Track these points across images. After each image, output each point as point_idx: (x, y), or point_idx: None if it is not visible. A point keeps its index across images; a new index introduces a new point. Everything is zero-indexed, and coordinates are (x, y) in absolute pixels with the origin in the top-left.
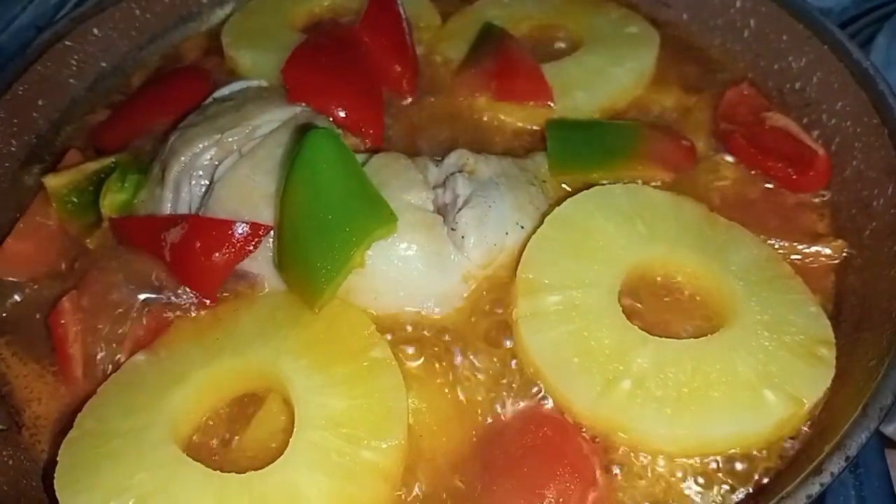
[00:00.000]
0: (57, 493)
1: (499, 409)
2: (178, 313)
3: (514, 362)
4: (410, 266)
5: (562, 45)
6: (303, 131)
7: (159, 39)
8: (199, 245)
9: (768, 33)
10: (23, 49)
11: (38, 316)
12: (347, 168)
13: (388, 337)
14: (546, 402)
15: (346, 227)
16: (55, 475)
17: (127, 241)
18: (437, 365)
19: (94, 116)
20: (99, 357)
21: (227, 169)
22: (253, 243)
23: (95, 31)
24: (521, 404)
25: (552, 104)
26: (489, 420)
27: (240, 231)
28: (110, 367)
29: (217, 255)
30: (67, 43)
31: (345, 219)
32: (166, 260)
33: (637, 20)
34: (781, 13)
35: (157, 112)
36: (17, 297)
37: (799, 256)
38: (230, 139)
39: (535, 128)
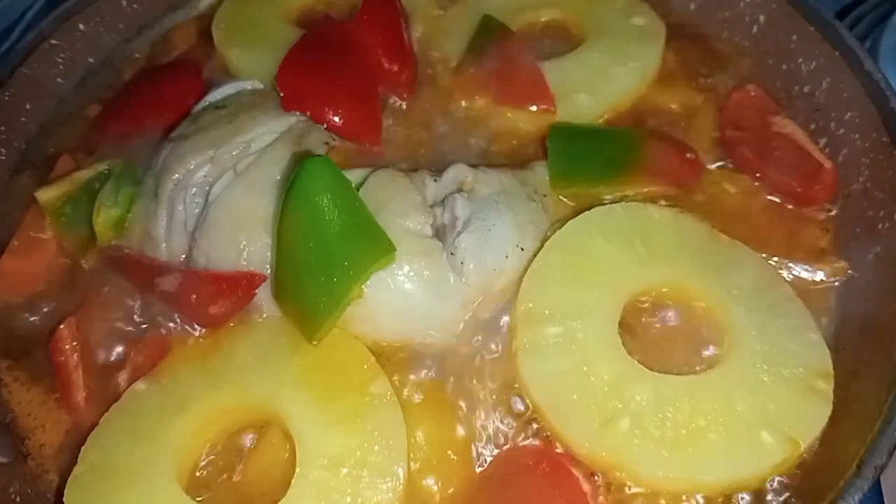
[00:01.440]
0: None
1: (499, 444)
2: (180, 337)
3: (513, 391)
4: (409, 295)
5: (565, 35)
6: (299, 157)
7: (148, 30)
8: (195, 298)
9: (777, 31)
10: (6, 51)
11: (39, 340)
12: (344, 199)
13: (388, 365)
14: (546, 435)
15: (344, 260)
16: None
17: (119, 273)
18: (436, 395)
19: (84, 115)
20: (100, 382)
21: (223, 189)
22: (251, 294)
23: (81, 26)
24: (520, 437)
25: (554, 109)
26: (488, 453)
27: (236, 284)
28: (112, 392)
29: (214, 307)
30: (53, 42)
31: (343, 252)
32: (162, 300)
33: (643, 10)
34: (792, 12)
35: (149, 111)
36: (16, 320)
37: (800, 275)
38: (225, 156)
39: (536, 132)
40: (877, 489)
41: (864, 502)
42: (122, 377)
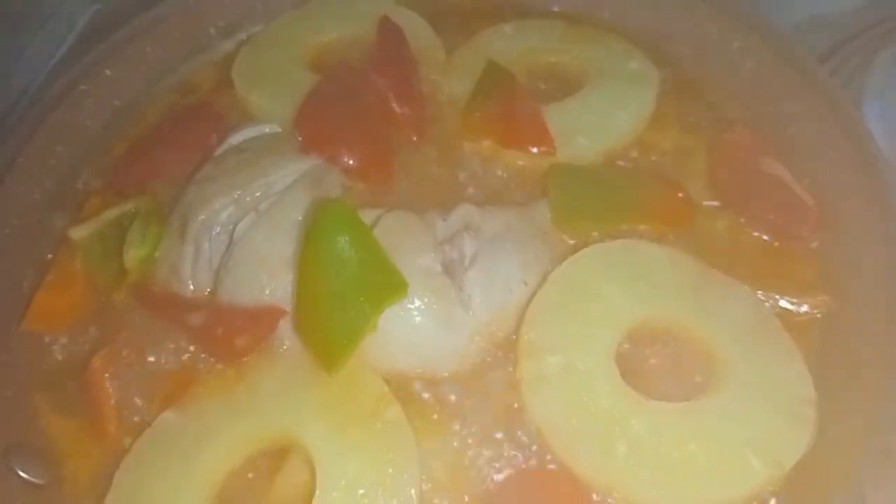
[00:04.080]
0: None
1: (505, 467)
2: (205, 370)
3: (518, 418)
4: (421, 328)
5: (565, 77)
6: (318, 202)
7: (171, 74)
8: (221, 331)
9: (765, 77)
10: (44, 82)
11: (72, 372)
12: (360, 239)
13: (400, 393)
14: (549, 458)
15: (360, 296)
16: None
17: (147, 309)
18: (446, 422)
19: (111, 156)
20: (131, 413)
21: (246, 230)
22: (273, 326)
23: (108, 72)
24: (526, 463)
25: (554, 152)
26: (496, 477)
27: (260, 318)
28: (142, 421)
29: (239, 339)
30: (82, 88)
31: (359, 289)
32: (189, 335)
33: (638, 55)
34: (778, 60)
35: (173, 153)
36: (52, 353)
37: (786, 307)
38: (247, 197)
39: (538, 171)
40: None
41: None
42: (152, 407)
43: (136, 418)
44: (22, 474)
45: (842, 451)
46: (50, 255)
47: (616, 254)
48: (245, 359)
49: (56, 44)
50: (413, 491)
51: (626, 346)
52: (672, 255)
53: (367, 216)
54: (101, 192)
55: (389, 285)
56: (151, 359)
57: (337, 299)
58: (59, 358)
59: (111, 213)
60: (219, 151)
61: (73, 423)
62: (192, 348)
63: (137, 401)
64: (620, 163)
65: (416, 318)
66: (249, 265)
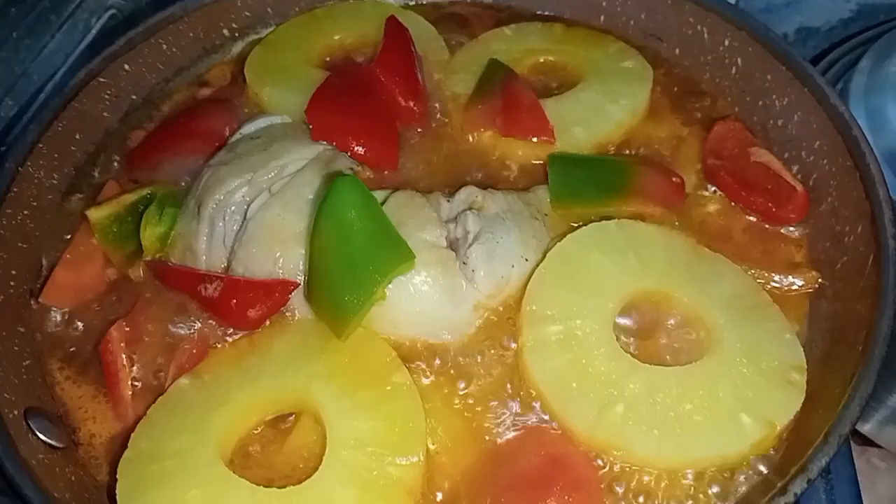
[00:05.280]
0: None
1: (506, 428)
2: (218, 340)
3: (519, 384)
4: (426, 298)
5: (563, 76)
6: (329, 177)
7: (185, 71)
8: (234, 302)
9: (754, 72)
10: (60, 83)
11: (87, 342)
12: (370, 211)
13: (406, 361)
14: (548, 421)
15: (369, 265)
16: (117, 492)
17: (164, 283)
18: (449, 387)
19: (128, 146)
20: (146, 381)
21: (259, 207)
22: (285, 298)
23: (126, 66)
24: (526, 424)
25: (553, 141)
26: (497, 437)
27: (272, 290)
28: (157, 389)
29: (252, 310)
30: (101, 80)
31: (369, 258)
32: (203, 306)
33: (633, 55)
34: (766, 55)
35: (186, 143)
36: (68, 325)
37: (777, 285)
38: (260, 178)
39: (537, 162)
40: (854, 482)
41: (842, 493)
42: (167, 375)
43: (151, 386)
44: (41, 437)
45: (828, 411)
46: (68, 237)
47: (612, 231)
48: (258, 329)
49: (72, 45)
50: (420, 449)
51: (623, 316)
52: (665, 233)
53: (376, 196)
54: (117, 180)
55: (397, 255)
56: (166, 329)
57: (347, 269)
58: (76, 330)
59: (129, 198)
60: (232, 140)
61: (89, 391)
62: (206, 319)
63: (152, 370)
64: (616, 152)
65: (423, 289)
66: (262, 239)
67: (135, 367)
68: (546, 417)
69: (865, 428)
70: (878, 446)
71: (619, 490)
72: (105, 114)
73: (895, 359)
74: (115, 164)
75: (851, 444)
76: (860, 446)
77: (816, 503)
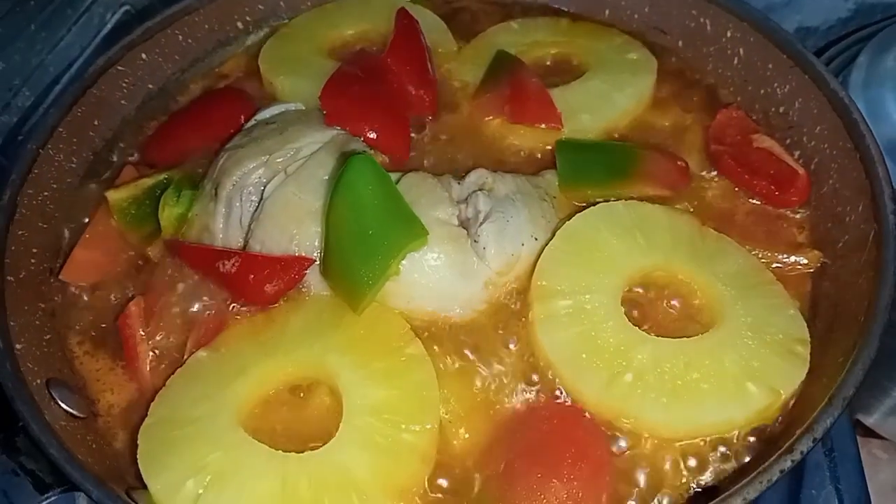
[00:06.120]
0: (142, 472)
1: (516, 399)
2: (234, 315)
3: (529, 358)
4: (439, 274)
5: (569, 68)
6: (344, 156)
7: (201, 62)
8: (252, 278)
9: (755, 61)
10: (78, 72)
11: (104, 318)
12: (384, 189)
13: (419, 335)
14: (559, 392)
15: (384, 241)
16: (138, 456)
17: (182, 261)
18: (461, 360)
19: (144, 133)
20: (164, 355)
21: (275, 188)
22: (301, 274)
23: (143, 56)
24: (536, 395)
25: (560, 127)
26: (508, 408)
27: (289, 266)
28: (174, 363)
29: (269, 286)
30: (119, 68)
31: (383, 234)
32: (221, 283)
33: (637, 46)
34: (767, 44)
35: (202, 130)
36: (88, 302)
37: (780, 265)
38: (277, 160)
39: (545, 147)
40: (857, 460)
41: (846, 471)
42: (184, 349)
43: (168, 360)
44: (63, 405)
45: (831, 380)
46: (86, 220)
47: (619, 211)
48: (274, 305)
49: (87, 38)
50: (434, 418)
51: (630, 292)
52: (671, 214)
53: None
54: (135, 165)
55: (411, 231)
56: (184, 305)
57: (362, 244)
58: (94, 306)
59: (146, 182)
60: (247, 126)
61: (107, 364)
62: (223, 295)
63: (170, 344)
64: (622, 139)
65: (435, 265)
66: (279, 218)
67: (152, 342)
68: (557, 388)
69: (870, 420)
70: (881, 437)
71: (624, 452)
72: (122, 101)
73: None
74: (132, 150)
75: None
76: (863, 437)
77: (821, 480)
